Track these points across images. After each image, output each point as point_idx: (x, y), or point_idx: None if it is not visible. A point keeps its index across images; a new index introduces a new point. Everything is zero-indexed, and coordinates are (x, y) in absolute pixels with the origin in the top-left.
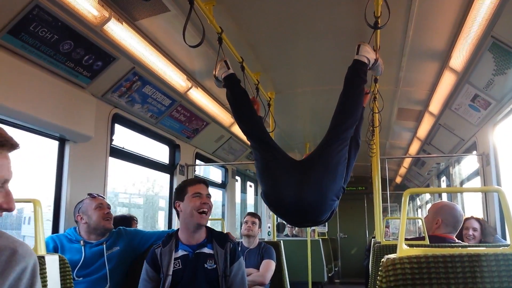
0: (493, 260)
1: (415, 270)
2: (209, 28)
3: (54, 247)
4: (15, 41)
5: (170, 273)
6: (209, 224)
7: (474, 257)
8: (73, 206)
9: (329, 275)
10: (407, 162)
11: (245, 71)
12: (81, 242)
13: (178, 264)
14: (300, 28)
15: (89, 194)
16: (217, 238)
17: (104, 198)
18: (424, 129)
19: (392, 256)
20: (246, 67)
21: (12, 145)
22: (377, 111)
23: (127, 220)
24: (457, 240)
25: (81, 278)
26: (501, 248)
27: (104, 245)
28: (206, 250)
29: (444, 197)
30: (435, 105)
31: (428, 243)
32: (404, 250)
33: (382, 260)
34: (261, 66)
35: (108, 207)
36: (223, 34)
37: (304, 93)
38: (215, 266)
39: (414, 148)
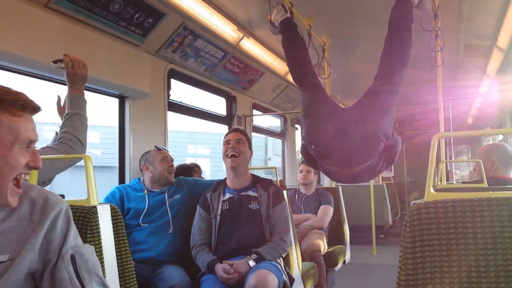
0: None
1: (441, 214)
2: None
3: (120, 196)
4: (67, 4)
5: (219, 213)
6: (262, 172)
7: (503, 200)
8: (137, 158)
9: (395, 218)
10: (477, 102)
11: (295, 16)
12: (145, 191)
13: (225, 205)
14: None
15: (156, 147)
16: (261, 183)
17: (167, 151)
18: (493, 65)
19: (419, 201)
20: (296, 12)
21: (34, 108)
22: (439, 49)
23: (189, 169)
24: None
25: (146, 224)
26: None
27: (166, 194)
28: (250, 193)
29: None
30: (504, 39)
31: (487, 185)
32: (431, 194)
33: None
34: (313, 10)
35: (172, 160)
36: None
37: (362, 36)
38: (258, 207)
39: (484, 86)
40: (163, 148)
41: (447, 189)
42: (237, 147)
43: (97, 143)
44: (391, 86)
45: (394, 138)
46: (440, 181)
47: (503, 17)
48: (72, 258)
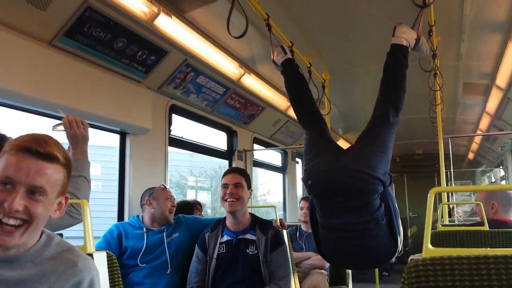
0: None
1: (438, 272)
2: (256, 15)
3: (118, 234)
4: (71, 43)
5: (215, 256)
6: (263, 211)
7: (501, 258)
8: (136, 195)
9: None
10: (478, 137)
11: (295, 54)
12: (144, 229)
13: (222, 249)
14: (352, 6)
15: (162, 185)
16: (260, 225)
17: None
18: (492, 103)
19: (416, 257)
20: (296, 51)
21: (20, 147)
22: (438, 89)
23: (189, 206)
24: None
25: (144, 264)
26: None
27: (165, 233)
28: (248, 236)
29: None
30: (502, 79)
31: (488, 228)
32: (429, 250)
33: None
34: (313, 48)
35: (174, 200)
36: (270, 19)
37: (362, 73)
38: (256, 251)
39: (484, 123)
40: (168, 188)
41: (448, 232)
42: (236, 192)
43: None
44: (387, 127)
45: (388, 191)
46: (442, 219)
47: (501, 57)
48: None
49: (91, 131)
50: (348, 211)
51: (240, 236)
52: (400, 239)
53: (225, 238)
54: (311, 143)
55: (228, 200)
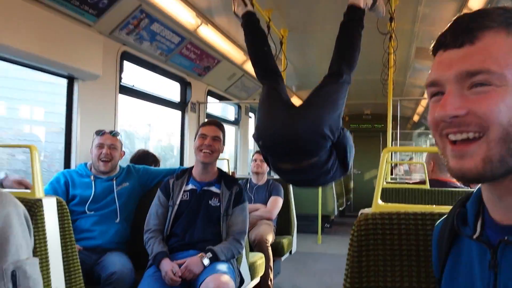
0: None
1: (386, 226)
2: None
3: (65, 182)
4: None
5: (178, 202)
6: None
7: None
8: (84, 143)
9: (340, 209)
10: (424, 101)
11: (255, 8)
12: (91, 177)
13: (186, 196)
14: None
15: (97, 131)
16: (226, 180)
17: (114, 135)
18: None
19: (366, 211)
20: (256, 4)
21: None
22: (392, 52)
23: (145, 157)
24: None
25: (92, 212)
26: None
27: (114, 181)
28: (213, 188)
29: None
30: None
31: (428, 187)
32: (379, 205)
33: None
34: (272, 2)
35: (110, 147)
36: None
37: (320, 31)
38: (218, 204)
39: None
40: (108, 133)
41: (392, 189)
42: (213, 145)
43: None
44: (339, 85)
45: (343, 135)
46: (386, 178)
47: None
48: (13, 275)
49: (38, 74)
50: (299, 168)
51: (205, 188)
52: (351, 164)
53: (190, 186)
54: (265, 98)
55: (203, 151)
